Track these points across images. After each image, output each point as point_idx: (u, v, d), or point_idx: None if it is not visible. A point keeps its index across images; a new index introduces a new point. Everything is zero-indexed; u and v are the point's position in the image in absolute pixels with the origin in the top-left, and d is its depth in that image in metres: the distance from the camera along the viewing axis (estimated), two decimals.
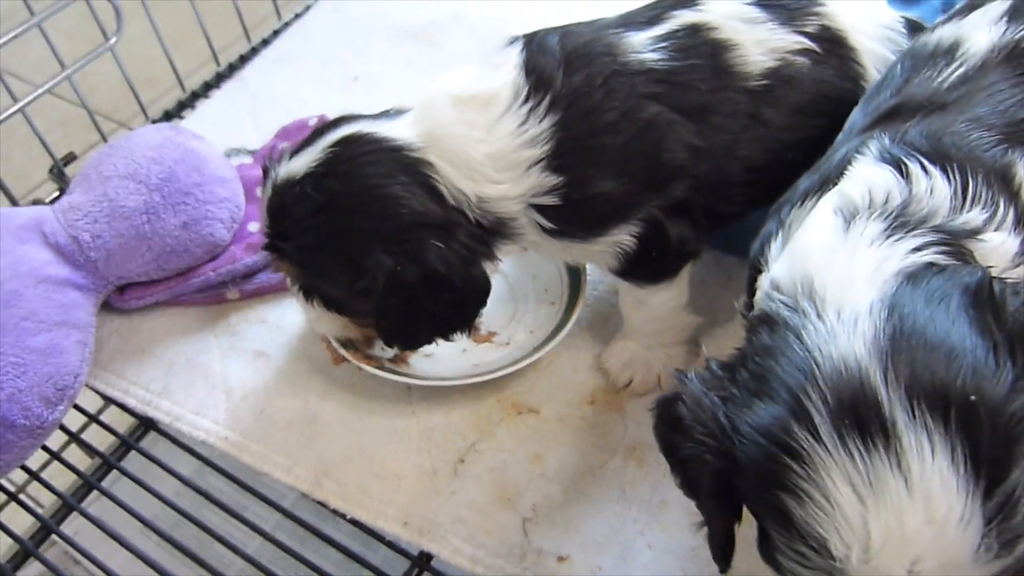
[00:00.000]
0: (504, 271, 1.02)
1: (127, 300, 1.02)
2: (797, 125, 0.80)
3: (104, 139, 1.30)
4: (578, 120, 0.77)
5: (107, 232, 0.98)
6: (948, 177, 0.59)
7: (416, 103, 0.82)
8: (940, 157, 0.60)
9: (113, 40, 1.18)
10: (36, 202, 1.13)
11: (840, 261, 0.56)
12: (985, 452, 0.45)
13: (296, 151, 0.81)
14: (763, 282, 0.62)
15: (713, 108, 0.78)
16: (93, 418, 1.02)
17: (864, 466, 0.47)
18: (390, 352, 0.95)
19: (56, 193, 1.17)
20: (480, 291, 0.82)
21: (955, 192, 0.58)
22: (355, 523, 0.87)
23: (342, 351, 0.93)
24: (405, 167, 0.78)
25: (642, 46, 0.79)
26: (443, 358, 0.96)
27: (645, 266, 0.84)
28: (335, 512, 0.87)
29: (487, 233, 0.80)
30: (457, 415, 0.92)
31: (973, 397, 0.46)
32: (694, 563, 0.81)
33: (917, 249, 0.55)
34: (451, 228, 0.77)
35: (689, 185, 0.80)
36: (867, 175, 0.61)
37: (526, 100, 0.77)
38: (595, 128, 0.77)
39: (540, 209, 0.79)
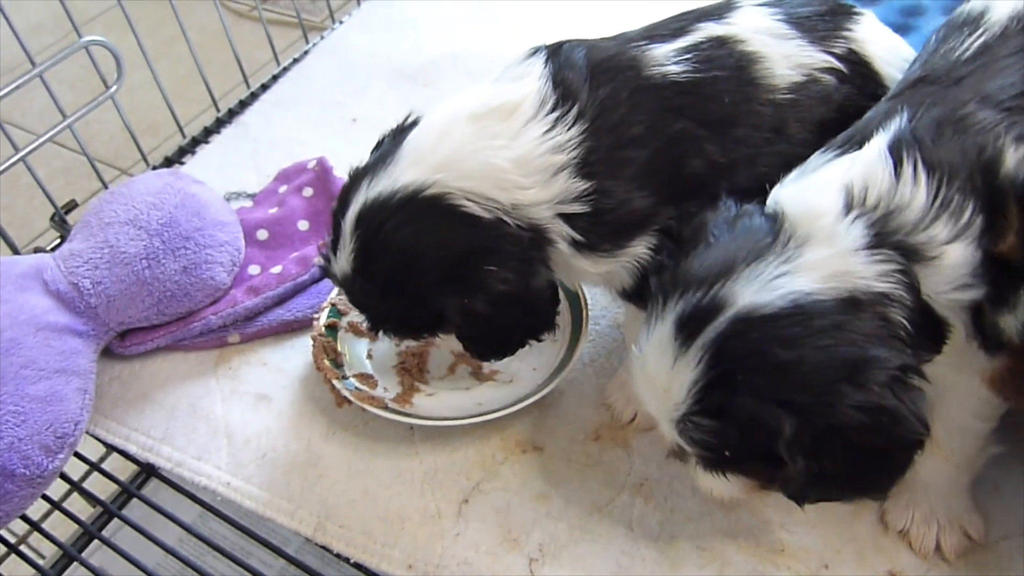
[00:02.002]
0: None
1: (128, 346, 1.02)
2: (819, 141, 0.79)
3: (105, 186, 1.31)
4: (605, 132, 0.77)
5: (108, 278, 0.98)
6: (929, 184, 0.64)
7: (421, 133, 0.80)
8: (934, 158, 0.65)
9: (114, 88, 1.19)
10: (37, 250, 1.13)
11: (826, 246, 0.64)
12: (713, 404, 0.63)
13: (334, 244, 0.80)
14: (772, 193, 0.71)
15: (737, 120, 0.78)
16: (95, 466, 1.01)
17: (666, 340, 0.65)
18: (393, 392, 0.95)
19: (57, 240, 1.17)
20: (546, 298, 0.83)
21: (929, 204, 0.64)
22: (359, 567, 0.85)
23: (345, 392, 0.92)
24: (427, 209, 0.76)
25: (665, 59, 0.79)
26: (446, 397, 0.95)
27: None
28: (338, 556, 0.86)
29: (532, 241, 0.78)
30: (461, 455, 0.91)
31: (741, 378, 0.62)
32: None
33: (883, 276, 0.63)
34: (496, 247, 0.76)
35: (707, 199, 0.79)
36: (872, 164, 0.66)
37: (553, 109, 0.77)
38: (621, 141, 0.77)
39: (569, 219, 0.78)
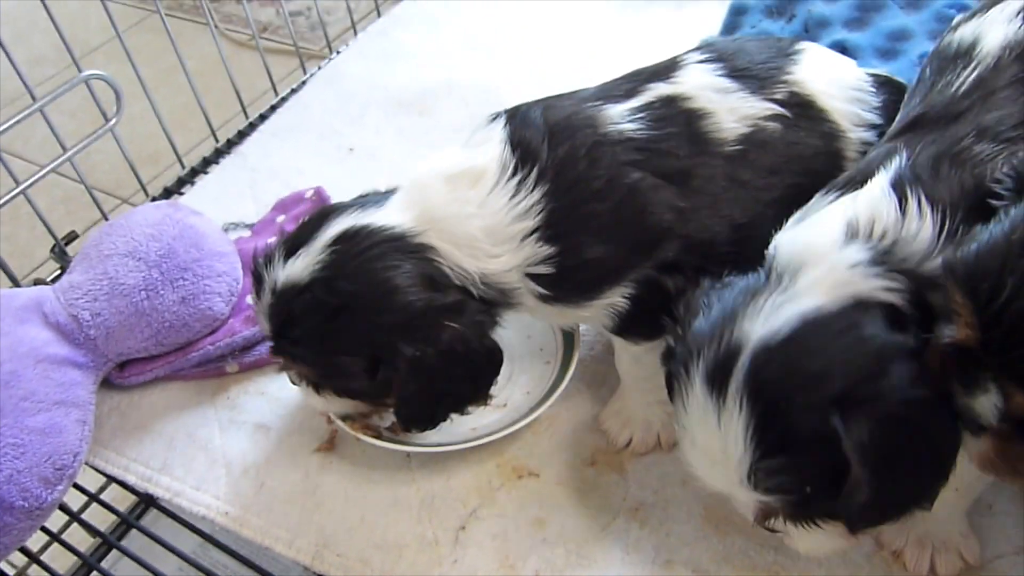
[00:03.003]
0: (498, 332, 1.03)
1: (127, 376, 1.03)
2: (774, 185, 0.81)
3: (105, 216, 1.33)
4: (566, 190, 0.78)
5: (106, 310, 0.99)
6: (934, 216, 0.65)
7: (404, 185, 0.84)
8: (936, 193, 0.66)
9: (113, 121, 1.21)
10: (37, 282, 1.15)
11: (821, 266, 0.65)
12: (768, 439, 0.61)
13: (288, 251, 0.80)
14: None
15: (693, 172, 0.80)
16: (94, 497, 1.01)
17: (704, 402, 0.64)
18: (388, 420, 0.95)
19: (57, 272, 1.19)
20: (496, 361, 0.83)
21: (936, 237, 0.65)
22: None
23: (339, 422, 0.93)
24: (410, 255, 0.78)
25: (621, 117, 0.81)
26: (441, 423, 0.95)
27: (640, 324, 0.85)
28: None
29: (491, 306, 0.81)
30: (457, 481, 0.92)
31: (783, 404, 0.61)
32: None
33: (887, 289, 0.63)
34: (460, 307, 0.78)
35: (678, 246, 0.81)
36: (876, 200, 0.67)
37: (514, 173, 0.79)
38: (583, 196, 0.79)
39: (535, 278, 0.80)
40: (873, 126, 0.85)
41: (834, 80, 0.86)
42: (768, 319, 0.63)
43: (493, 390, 0.97)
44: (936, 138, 0.70)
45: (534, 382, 0.98)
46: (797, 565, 0.82)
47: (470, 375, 0.82)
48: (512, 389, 0.99)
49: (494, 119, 0.83)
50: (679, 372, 0.67)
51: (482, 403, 0.87)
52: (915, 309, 0.63)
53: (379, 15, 1.64)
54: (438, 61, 1.48)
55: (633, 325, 0.84)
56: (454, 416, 0.86)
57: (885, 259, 0.64)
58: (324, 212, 0.83)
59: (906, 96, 0.81)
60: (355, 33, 1.61)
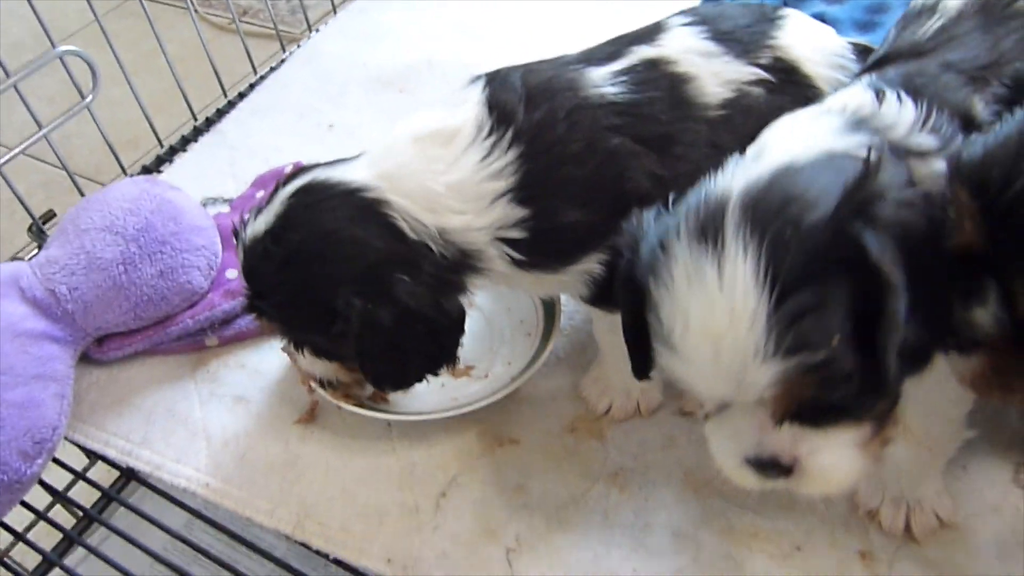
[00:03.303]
0: (480, 305, 1.03)
1: (106, 351, 1.02)
2: None
3: None
4: (542, 153, 0.78)
5: (84, 284, 0.98)
6: (917, 106, 0.65)
7: (376, 147, 0.84)
8: (913, 91, 0.67)
9: (89, 99, 1.20)
10: (15, 259, 1.14)
11: (790, 130, 0.65)
12: (784, 270, 0.54)
13: (258, 209, 0.82)
14: None
15: (674, 138, 0.80)
16: (79, 475, 1.01)
17: (696, 263, 0.57)
18: (369, 390, 0.96)
19: (35, 250, 1.18)
20: (454, 321, 0.82)
21: (918, 119, 0.65)
22: (339, 563, 0.86)
23: (320, 391, 0.93)
24: (362, 208, 0.78)
25: (603, 80, 0.81)
26: (422, 393, 0.95)
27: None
28: (318, 553, 0.87)
29: (453, 266, 0.80)
30: (438, 450, 0.92)
31: (789, 228, 0.55)
32: None
33: (865, 147, 0.60)
34: (416, 262, 0.78)
35: None
36: (850, 93, 0.68)
37: (489, 134, 0.79)
38: (560, 160, 0.78)
39: (509, 242, 0.80)
40: None
41: (817, 46, 0.86)
42: (747, 172, 0.59)
43: (474, 361, 0.99)
44: (903, 66, 0.71)
45: (515, 354, 0.98)
46: (776, 525, 0.83)
47: (430, 334, 0.81)
48: (493, 361, 0.99)
49: (474, 81, 0.83)
50: (654, 259, 0.60)
51: (451, 366, 0.86)
52: (899, 169, 0.60)
53: None
54: (418, 39, 1.47)
55: (609, 292, 0.84)
56: (428, 380, 0.86)
57: (862, 126, 0.64)
58: (298, 170, 0.84)
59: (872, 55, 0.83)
60: (335, 12, 1.60)
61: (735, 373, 0.56)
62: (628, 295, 0.64)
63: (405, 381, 0.86)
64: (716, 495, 0.86)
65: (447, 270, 0.80)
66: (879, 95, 0.66)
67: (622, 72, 0.81)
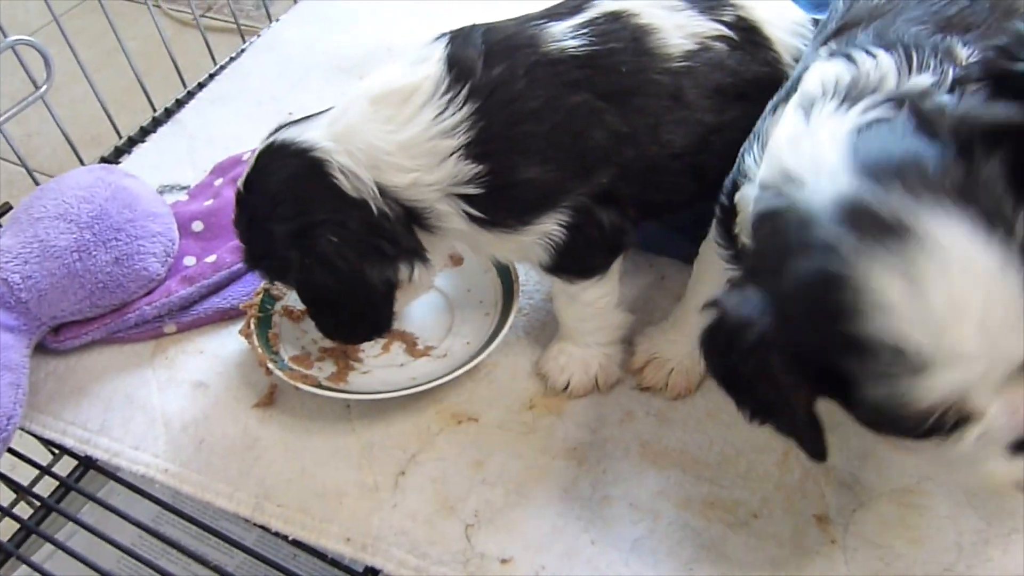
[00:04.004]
0: (439, 285, 1.03)
1: (62, 340, 1.01)
2: (718, 107, 0.81)
3: None
4: (499, 109, 0.78)
5: (38, 272, 0.97)
6: (892, 54, 0.63)
7: (337, 106, 0.85)
8: (885, 43, 0.65)
9: (43, 88, 1.19)
10: None
11: (806, 143, 0.60)
12: (990, 211, 0.50)
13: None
14: (747, 193, 0.66)
15: (635, 90, 0.80)
16: (44, 470, 0.99)
17: (901, 262, 0.50)
18: (327, 371, 0.95)
19: None
20: (380, 294, 0.85)
21: (900, 64, 0.63)
22: (298, 544, 0.86)
23: (278, 373, 0.92)
24: (306, 167, 0.81)
25: (563, 34, 0.80)
26: (381, 374, 0.96)
27: (575, 259, 0.85)
28: (277, 535, 0.86)
29: (396, 223, 0.81)
30: (397, 428, 0.92)
31: (948, 180, 0.51)
32: (637, 554, 0.80)
33: (866, 110, 0.59)
34: (347, 221, 0.80)
35: (615, 173, 0.81)
36: (820, 71, 0.66)
37: (446, 91, 0.79)
38: (518, 116, 0.78)
39: (465, 198, 0.80)
40: None
41: (779, 12, 0.86)
42: (823, 191, 0.55)
43: (434, 341, 0.99)
44: (868, 29, 0.70)
45: (474, 333, 0.98)
46: (732, 495, 0.84)
47: (360, 300, 0.84)
48: (452, 340, 0.99)
49: (438, 38, 0.83)
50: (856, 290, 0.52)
51: (386, 332, 0.91)
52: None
53: None
54: (378, 25, 1.47)
55: (568, 260, 0.84)
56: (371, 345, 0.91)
57: (854, 95, 0.62)
58: (280, 126, 0.88)
59: (815, 32, 0.82)
60: (295, 1, 1.59)
61: (1004, 343, 0.50)
62: (799, 384, 0.58)
63: (349, 336, 0.91)
64: (673, 466, 0.86)
65: (382, 232, 0.81)
66: (850, 58, 0.65)
67: (584, 24, 0.81)
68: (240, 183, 0.86)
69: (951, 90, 0.59)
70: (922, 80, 0.62)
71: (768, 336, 0.57)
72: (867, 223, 0.52)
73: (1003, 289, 0.50)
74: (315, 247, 0.80)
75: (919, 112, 0.56)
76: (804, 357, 0.57)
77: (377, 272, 0.82)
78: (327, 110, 0.87)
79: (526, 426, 0.91)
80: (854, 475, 0.84)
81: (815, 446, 0.64)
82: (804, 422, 0.61)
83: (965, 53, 0.65)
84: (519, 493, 0.86)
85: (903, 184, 0.52)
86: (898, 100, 0.59)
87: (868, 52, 0.65)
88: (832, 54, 0.69)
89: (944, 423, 0.54)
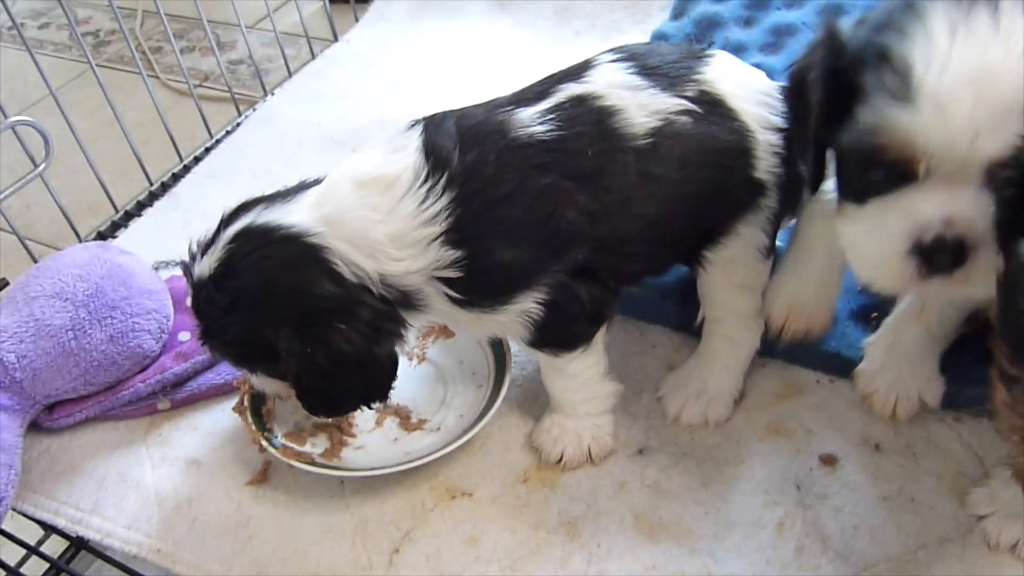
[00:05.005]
0: (431, 358, 1.04)
1: (56, 419, 1.01)
2: (686, 178, 0.83)
3: None
4: (474, 195, 0.80)
5: (33, 351, 0.98)
6: None
7: (320, 186, 0.86)
8: None
9: (42, 166, 1.21)
10: None
11: None
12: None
13: (203, 248, 0.85)
14: None
15: (603, 170, 0.82)
16: (32, 550, 0.99)
17: (963, 13, 0.57)
18: (321, 448, 0.96)
19: None
20: (385, 367, 0.85)
21: None
22: None
23: (271, 450, 0.92)
24: (302, 254, 0.80)
25: (531, 120, 0.83)
26: (375, 449, 0.96)
27: (557, 334, 0.86)
28: None
29: (393, 306, 0.82)
30: (391, 505, 0.92)
31: None
32: None
33: None
34: (354, 308, 0.80)
35: (589, 248, 0.83)
36: None
37: (426, 180, 0.81)
38: (492, 201, 0.80)
39: (446, 281, 0.82)
40: (780, 130, 0.87)
41: (743, 83, 0.88)
42: None
43: (427, 415, 0.99)
44: None
45: (467, 405, 0.99)
46: (729, 569, 0.83)
47: (364, 378, 0.84)
48: (446, 413, 0.99)
49: (413, 126, 0.85)
50: (892, 19, 0.63)
51: (383, 403, 0.89)
52: None
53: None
54: (370, 99, 1.50)
55: (549, 335, 0.86)
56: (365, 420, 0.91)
57: None
58: (238, 208, 0.87)
59: None
60: (290, 75, 1.63)
61: (985, 122, 0.56)
62: (823, 83, 0.68)
63: (340, 411, 0.90)
64: (667, 539, 0.86)
65: (385, 314, 0.82)
66: None
67: (550, 110, 0.83)
68: (210, 267, 0.82)
69: None
70: None
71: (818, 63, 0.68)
72: None
73: (1009, 84, 0.55)
74: (322, 336, 0.79)
75: None
76: (839, 71, 0.67)
77: (385, 350, 0.83)
78: (299, 187, 0.87)
79: (520, 500, 0.91)
80: (849, 546, 0.84)
81: (815, 171, 0.75)
82: (814, 144, 0.72)
83: None
84: (513, 569, 0.85)
85: None
86: None
87: None
88: None
89: (891, 174, 0.62)
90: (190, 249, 0.87)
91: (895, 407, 0.90)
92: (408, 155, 0.82)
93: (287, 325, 0.80)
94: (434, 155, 0.81)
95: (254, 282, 0.81)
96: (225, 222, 0.85)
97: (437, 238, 0.80)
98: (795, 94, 0.77)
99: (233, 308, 0.81)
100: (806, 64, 0.72)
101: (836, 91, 0.68)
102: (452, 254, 0.80)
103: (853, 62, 0.67)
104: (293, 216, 0.82)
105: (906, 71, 0.59)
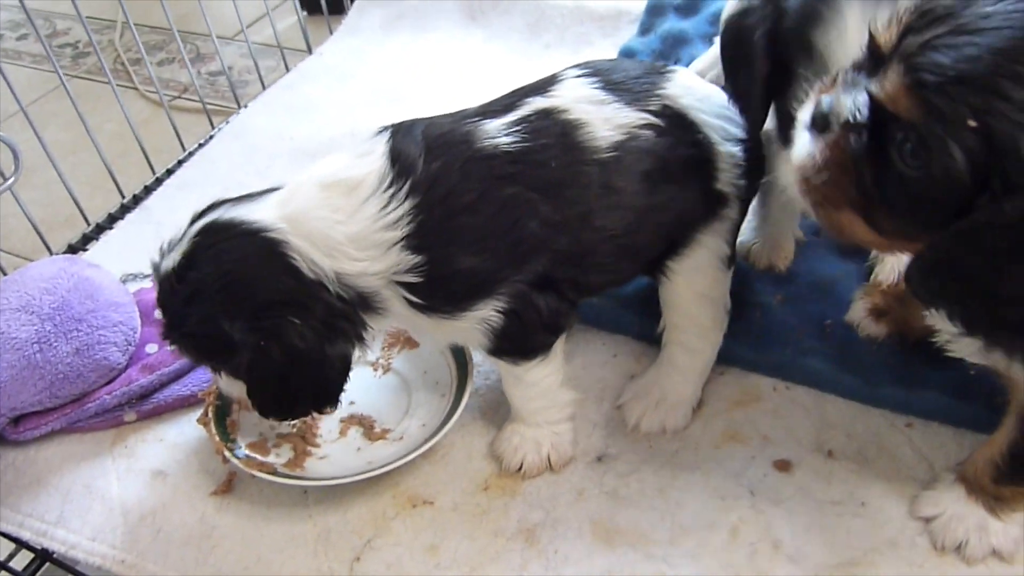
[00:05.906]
0: (396, 368, 1.05)
1: (22, 432, 1.02)
2: (648, 190, 0.85)
3: None
4: (437, 202, 0.82)
5: None
6: None
7: (286, 187, 0.87)
8: None
9: (11, 180, 1.22)
10: None
11: None
12: None
13: (170, 243, 0.86)
14: None
15: (567, 182, 0.84)
16: (2, 565, 0.99)
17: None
18: (284, 458, 0.97)
19: None
20: (337, 368, 0.86)
21: None
22: None
23: (235, 461, 0.93)
24: (262, 248, 0.82)
25: (497, 131, 0.84)
26: (338, 459, 0.97)
27: (515, 342, 0.88)
28: None
29: (350, 306, 0.83)
30: (353, 514, 0.93)
31: None
32: None
33: None
34: (309, 303, 0.81)
35: (550, 258, 0.84)
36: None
37: (390, 185, 0.82)
38: (454, 209, 0.82)
39: (406, 286, 0.83)
40: (740, 141, 0.90)
41: (704, 98, 0.90)
42: None
43: (390, 424, 1.00)
44: None
45: (430, 415, 1.00)
46: (680, 572, 0.85)
47: (315, 377, 0.85)
48: (409, 423, 1.00)
49: (381, 132, 0.87)
50: None
51: (333, 406, 0.89)
52: None
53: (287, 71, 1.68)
54: (343, 112, 1.51)
55: (508, 343, 0.87)
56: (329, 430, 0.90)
57: None
58: (208, 206, 0.88)
59: None
60: (263, 88, 1.64)
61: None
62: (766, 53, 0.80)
63: (290, 413, 0.90)
64: (624, 544, 0.88)
65: (341, 313, 0.83)
66: None
67: (516, 122, 0.85)
68: (174, 260, 0.84)
69: None
70: None
71: (764, 17, 0.80)
72: None
73: None
74: (276, 328, 0.81)
75: None
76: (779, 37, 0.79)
77: (337, 350, 0.84)
78: (267, 190, 0.88)
79: (480, 507, 0.93)
80: (800, 549, 0.85)
81: (756, 114, 0.85)
82: (758, 89, 0.82)
83: None
84: None
85: None
86: None
87: None
88: None
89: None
90: (160, 247, 0.88)
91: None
92: (374, 160, 0.83)
93: (242, 317, 0.81)
94: (399, 161, 0.83)
95: (213, 273, 0.82)
96: (194, 220, 0.87)
97: (398, 242, 0.81)
98: (733, 45, 0.86)
99: (193, 299, 0.82)
100: (749, 23, 0.82)
101: (776, 56, 0.80)
102: (412, 259, 0.82)
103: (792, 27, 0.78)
104: (257, 213, 0.84)
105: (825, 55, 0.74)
